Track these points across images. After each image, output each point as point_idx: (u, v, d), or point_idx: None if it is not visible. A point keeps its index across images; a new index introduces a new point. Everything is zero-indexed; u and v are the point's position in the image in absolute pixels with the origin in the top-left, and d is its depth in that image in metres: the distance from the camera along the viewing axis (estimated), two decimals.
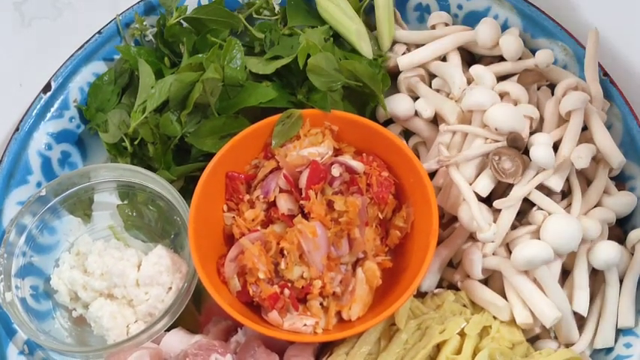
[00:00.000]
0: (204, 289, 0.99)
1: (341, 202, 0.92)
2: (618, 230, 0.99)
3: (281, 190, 0.96)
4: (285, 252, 0.92)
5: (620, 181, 1.01)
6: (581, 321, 0.95)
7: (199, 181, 0.95)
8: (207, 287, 0.91)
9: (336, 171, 0.94)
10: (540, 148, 0.93)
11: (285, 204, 0.95)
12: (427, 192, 0.93)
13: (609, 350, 0.95)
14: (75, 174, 1.04)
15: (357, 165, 0.96)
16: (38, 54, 1.18)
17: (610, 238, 0.96)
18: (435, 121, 1.05)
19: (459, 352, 0.91)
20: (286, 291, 0.92)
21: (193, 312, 1.02)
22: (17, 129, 1.05)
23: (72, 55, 1.08)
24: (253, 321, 0.92)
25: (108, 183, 1.06)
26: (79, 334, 1.02)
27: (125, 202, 1.07)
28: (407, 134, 1.08)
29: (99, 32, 1.09)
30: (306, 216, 0.93)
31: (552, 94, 1.01)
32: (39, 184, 1.06)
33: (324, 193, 0.94)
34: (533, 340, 0.96)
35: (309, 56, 0.97)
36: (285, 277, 0.93)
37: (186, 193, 1.00)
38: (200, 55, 1.02)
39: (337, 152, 0.99)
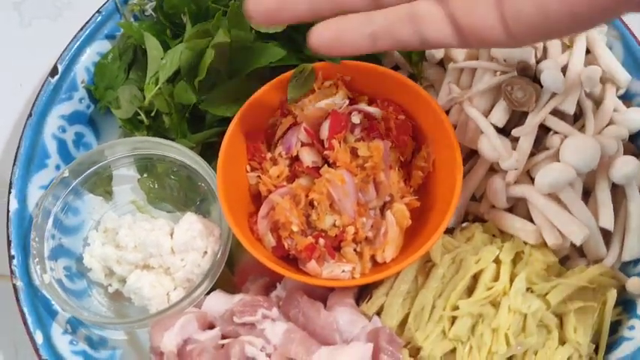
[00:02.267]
0: (237, 250, 1.01)
1: (364, 148, 0.94)
2: (631, 146, 1.02)
3: (302, 144, 0.98)
4: (315, 203, 0.94)
5: (627, 99, 1.04)
6: (606, 237, 0.98)
7: (222, 143, 0.96)
8: (245, 245, 0.92)
9: (356, 118, 0.96)
10: (550, 72, 0.95)
11: (308, 157, 0.97)
12: (446, 128, 0.94)
13: (637, 262, 0.98)
14: (92, 153, 1.05)
15: (374, 111, 0.97)
16: (38, 54, 1.18)
17: (625, 154, 0.99)
18: (441, 63, 1.07)
19: (496, 279, 0.93)
20: (321, 240, 0.94)
21: (227, 274, 1.03)
22: (30, 114, 1.05)
23: (74, 37, 1.08)
24: (292, 273, 0.93)
25: (125, 158, 1.06)
26: (117, 309, 1.03)
27: (145, 175, 1.08)
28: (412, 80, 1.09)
29: (98, 12, 1.09)
30: (330, 166, 0.95)
31: None
32: (58, 167, 1.06)
33: (347, 141, 0.96)
34: (562, 261, 0.99)
35: None
36: (318, 227, 0.94)
37: (204, 159, 1.01)
38: (204, 23, 1.03)
39: (352, 101, 1.00)
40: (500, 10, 0.70)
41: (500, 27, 0.71)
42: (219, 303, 0.97)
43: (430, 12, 0.74)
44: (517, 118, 1.00)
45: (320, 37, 0.76)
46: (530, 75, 0.97)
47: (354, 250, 0.96)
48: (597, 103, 1.02)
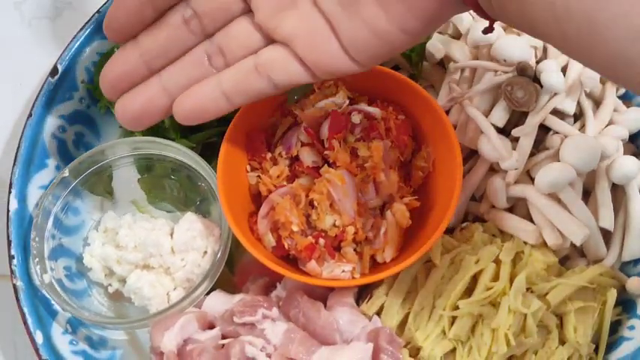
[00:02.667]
0: (236, 250, 1.01)
1: (364, 148, 0.94)
2: (631, 146, 1.02)
3: (302, 144, 0.98)
4: (315, 203, 0.94)
5: (627, 99, 1.04)
6: (606, 237, 0.98)
7: (222, 143, 0.96)
8: (245, 245, 0.92)
9: (356, 118, 0.96)
10: (550, 72, 0.96)
11: (308, 157, 0.97)
12: (446, 128, 0.94)
13: (637, 262, 0.98)
14: (92, 153, 1.04)
15: (374, 111, 0.97)
16: (38, 54, 1.18)
17: (625, 154, 0.99)
18: (441, 63, 1.07)
19: (495, 279, 0.93)
20: (321, 240, 0.94)
21: (227, 274, 1.03)
22: (30, 115, 1.05)
23: (74, 37, 1.08)
24: (292, 273, 0.93)
25: (125, 158, 1.06)
26: (117, 309, 1.03)
27: (145, 175, 1.08)
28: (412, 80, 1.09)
29: (98, 12, 1.09)
30: (330, 166, 0.95)
31: None
32: (58, 167, 1.06)
33: (347, 141, 0.96)
34: (562, 261, 0.99)
35: None
36: (318, 227, 0.94)
37: (204, 159, 1.01)
38: None
39: (352, 101, 1.00)
40: (339, 42, 0.74)
41: (344, 56, 0.75)
42: (219, 303, 0.97)
43: (275, 57, 0.77)
44: (517, 118, 1.00)
45: (181, 108, 0.80)
46: (530, 75, 0.97)
47: (354, 250, 0.96)
48: (597, 103, 1.02)
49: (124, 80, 0.82)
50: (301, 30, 0.75)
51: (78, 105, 1.09)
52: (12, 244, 1.01)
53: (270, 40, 0.78)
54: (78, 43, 1.09)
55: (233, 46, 0.79)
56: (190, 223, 1.00)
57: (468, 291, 0.93)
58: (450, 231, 1.00)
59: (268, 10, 0.76)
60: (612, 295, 0.94)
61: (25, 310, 0.98)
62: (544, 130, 0.99)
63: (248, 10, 0.78)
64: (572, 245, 0.96)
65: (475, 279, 0.94)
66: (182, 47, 0.80)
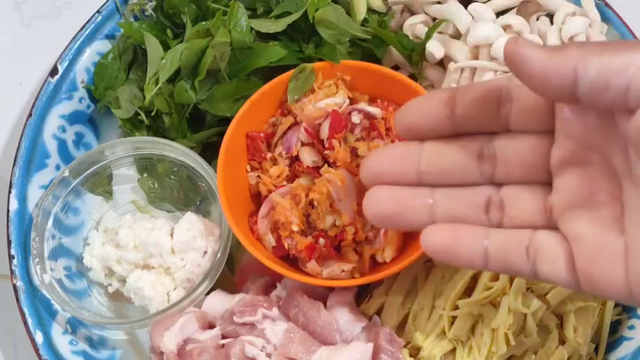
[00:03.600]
0: (236, 250, 1.02)
1: (365, 148, 0.94)
2: None
3: (303, 144, 0.98)
4: (315, 202, 0.94)
5: None
6: None
7: (222, 143, 0.96)
8: (245, 245, 0.92)
9: (356, 118, 0.96)
10: None
11: (308, 156, 0.97)
12: None
13: None
14: (93, 153, 1.05)
15: (375, 110, 0.97)
16: (38, 54, 1.18)
17: None
18: (441, 63, 1.07)
19: (495, 279, 0.93)
20: (321, 240, 0.94)
21: (227, 274, 1.03)
22: (30, 114, 1.05)
23: (74, 37, 1.08)
24: (292, 273, 0.93)
25: (125, 158, 1.07)
26: (117, 309, 1.03)
27: (145, 175, 1.08)
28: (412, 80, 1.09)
29: (98, 12, 1.09)
30: (330, 166, 0.95)
31: (551, 23, 1.04)
32: (58, 167, 1.06)
33: (347, 141, 0.96)
34: None
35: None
36: (318, 227, 0.94)
37: (204, 159, 1.01)
38: (204, 23, 1.03)
39: (352, 101, 1.00)
40: (626, 269, 0.64)
41: (623, 285, 0.64)
42: (219, 303, 0.97)
43: (548, 247, 0.67)
44: None
45: (432, 240, 0.71)
46: None
47: (354, 249, 0.96)
48: None
49: (388, 174, 0.74)
50: (590, 237, 0.65)
51: (78, 105, 1.09)
52: (12, 244, 1.01)
53: (553, 224, 0.68)
54: (78, 43, 1.09)
55: (515, 211, 0.70)
56: (190, 223, 1.00)
57: (468, 291, 0.93)
58: None
59: (566, 197, 0.67)
60: None
61: (25, 310, 0.98)
62: None
63: (547, 182, 0.69)
64: None
65: (475, 279, 0.94)
66: (464, 179, 0.72)
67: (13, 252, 1.00)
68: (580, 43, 0.68)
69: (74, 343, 1.00)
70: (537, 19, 1.05)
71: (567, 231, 0.66)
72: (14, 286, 0.99)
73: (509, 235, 0.69)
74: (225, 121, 0.99)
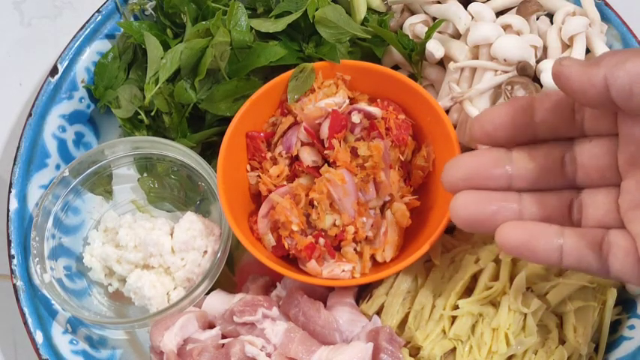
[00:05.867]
0: (236, 250, 1.02)
1: (364, 148, 0.94)
2: None
3: (302, 144, 0.98)
4: (315, 202, 0.94)
5: None
6: None
7: (222, 143, 0.96)
8: (245, 245, 0.92)
9: (356, 118, 0.96)
10: (550, 72, 0.95)
11: (308, 156, 0.97)
12: (446, 128, 0.95)
13: None
14: (93, 152, 1.04)
15: (374, 110, 0.97)
16: (38, 53, 1.18)
17: None
18: (441, 63, 1.07)
19: (495, 279, 0.93)
20: (321, 240, 0.94)
21: (227, 273, 1.03)
22: (30, 114, 1.05)
23: (74, 37, 1.08)
24: (292, 273, 0.93)
25: (125, 158, 1.07)
26: (117, 308, 1.03)
27: (145, 174, 1.08)
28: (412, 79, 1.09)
29: (98, 11, 1.09)
30: (330, 165, 0.95)
31: (551, 22, 1.04)
32: (58, 167, 1.06)
33: (347, 140, 0.96)
34: None
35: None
36: (318, 226, 0.94)
37: (204, 159, 1.01)
38: (204, 22, 1.03)
39: (352, 101, 1.00)
40: None
41: None
42: (219, 302, 0.97)
43: (621, 245, 0.71)
44: None
45: (508, 236, 0.75)
46: (530, 75, 0.97)
47: (354, 249, 0.96)
48: None
49: (477, 178, 0.78)
50: None
51: (78, 105, 1.09)
52: (12, 244, 1.01)
53: (623, 224, 0.73)
54: (78, 42, 1.09)
55: (590, 210, 0.75)
56: (190, 222, 1.00)
57: (468, 290, 0.93)
58: (450, 231, 1.00)
59: (629, 197, 0.71)
60: (612, 295, 0.94)
61: (25, 310, 0.98)
62: None
63: (618, 183, 0.73)
64: None
65: (475, 278, 0.94)
66: (550, 183, 0.77)
67: (13, 252, 1.00)
68: (613, 52, 0.70)
69: (74, 342, 1.00)
70: (537, 19, 1.05)
71: (631, 230, 0.70)
72: (14, 285, 0.99)
73: (584, 233, 0.73)
74: (225, 120, 0.99)
